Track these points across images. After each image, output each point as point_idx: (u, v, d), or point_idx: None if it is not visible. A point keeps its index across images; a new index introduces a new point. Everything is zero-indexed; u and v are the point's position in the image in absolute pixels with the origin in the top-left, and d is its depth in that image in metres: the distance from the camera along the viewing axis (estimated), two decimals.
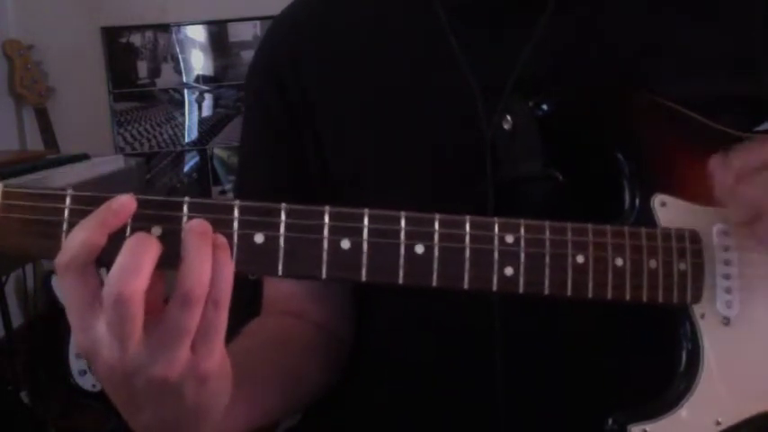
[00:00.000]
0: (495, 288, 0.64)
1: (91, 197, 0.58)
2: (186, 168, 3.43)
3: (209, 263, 0.57)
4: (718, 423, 0.71)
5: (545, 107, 0.71)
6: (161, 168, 3.40)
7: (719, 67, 0.80)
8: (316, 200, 0.62)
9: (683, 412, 0.70)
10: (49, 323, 2.79)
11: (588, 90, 0.74)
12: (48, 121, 3.01)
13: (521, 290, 0.65)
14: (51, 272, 2.79)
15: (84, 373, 2.65)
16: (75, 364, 2.66)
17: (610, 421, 0.69)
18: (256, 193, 0.61)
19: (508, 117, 0.72)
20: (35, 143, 3.06)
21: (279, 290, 0.92)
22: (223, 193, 3.40)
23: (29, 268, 2.98)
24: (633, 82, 0.76)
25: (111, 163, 2.48)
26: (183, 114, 3.40)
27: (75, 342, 0.59)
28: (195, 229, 0.57)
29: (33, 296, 3.03)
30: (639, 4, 0.82)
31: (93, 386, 2.65)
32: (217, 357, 0.60)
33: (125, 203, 0.57)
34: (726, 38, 0.81)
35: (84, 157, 2.36)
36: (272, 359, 0.82)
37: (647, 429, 0.69)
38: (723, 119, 0.75)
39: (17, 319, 2.92)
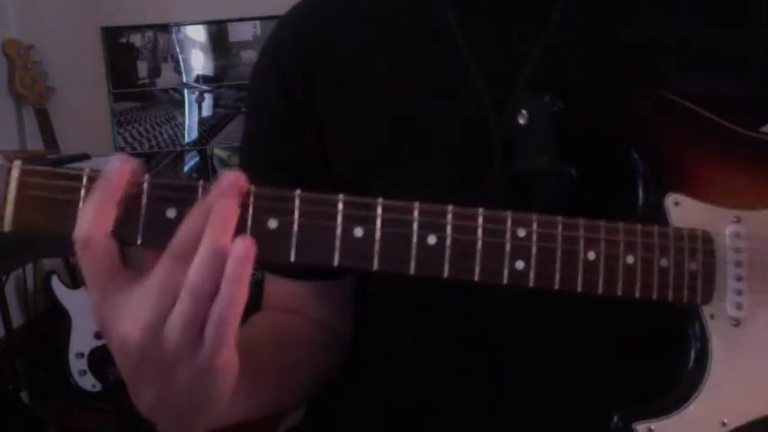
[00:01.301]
0: (505, 281, 0.64)
1: None
2: (186, 168, 3.44)
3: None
4: (723, 424, 0.70)
5: (561, 103, 0.71)
6: (161, 168, 3.40)
7: (733, 65, 0.80)
8: None
9: (690, 412, 0.69)
10: (49, 323, 2.79)
11: (604, 87, 0.73)
12: (48, 121, 3.01)
13: (531, 284, 0.64)
14: (51, 272, 2.79)
15: (85, 373, 2.65)
16: (75, 364, 2.66)
17: (615, 418, 0.69)
18: None
19: (524, 112, 0.72)
20: (35, 143, 3.07)
21: (279, 288, 0.92)
22: None
23: (29, 268, 2.98)
24: (647, 79, 0.76)
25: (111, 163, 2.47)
26: (183, 114, 3.41)
27: (94, 315, 0.60)
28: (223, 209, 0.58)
29: (33, 296, 3.03)
30: (652, 3, 0.82)
31: (93, 386, 2.65)
32: (228, 351, 0.60)
33: (120, 168, 0.58)
34: (741, 36, 0.81)
35: (84, 157, 2.36)
36: (270, 351, 0.82)
37: (653, 428, 0.68)
38: (734, 118, 0.75)
39: (17, 319, 2.92)
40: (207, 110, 3.42)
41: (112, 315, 0.59)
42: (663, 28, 0.80)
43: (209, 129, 3.42)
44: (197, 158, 3.43)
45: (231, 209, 0.58)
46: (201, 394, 0.62)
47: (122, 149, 3.34)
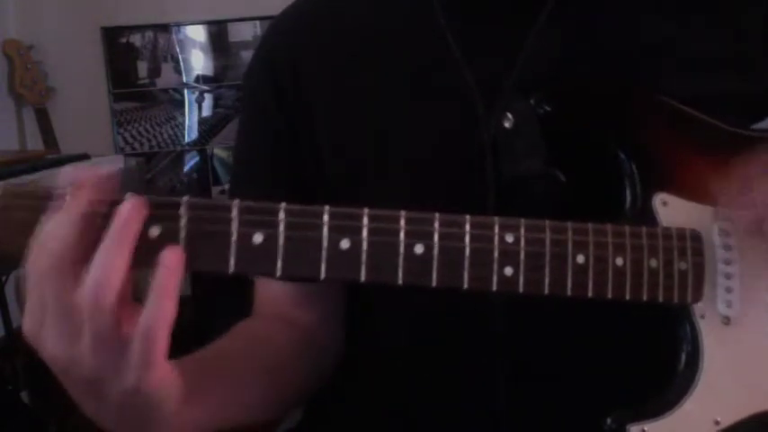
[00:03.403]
0: (494, 288, 0.64)
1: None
2: (186, 168, 3.44)
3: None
4: (717, 422, 0.70)
5: (546, 105, 0.71)
6: (161, 168, 3.41)
7: (719, 64, 0.80)
8: (313, 201, 0.61)
9: (683, 411, 0.69)
10: None
11: (590, 88, 0.73)
12: (48, 121, 3.01)
13: (520, 289, 0.64)
14: None
15: None
16: None
17: (609, 420, 0.69)
18: (252, 195, 0.61)
19: (509, 115, 0.72)
20: (35, 143, 3.07)
21: (268, 293, 0.92)
22: (223, 192, 3.42)
23: None
24: (633, 80, 0.76)
25: (111, 163, 2.47)
26: (183, 114, 3.41)
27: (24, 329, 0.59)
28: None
29: None
30: (639, 3, 0.82)
31: None
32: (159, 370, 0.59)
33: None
34: (725, 36, 0.81)
35: (84, 157, 2.35)
36: (252, 361, 0.82)
37: (646, 429, 0.68)
38: (722, 117, 0.75)
39: (17, 319, 2.92)
40: (207, 110, 3.43)
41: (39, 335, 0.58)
42: (650, 29, 0.80)
43: (209, 129, 3.42)
44: (197, 158, 3.43)
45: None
46: (137, 413, 0.61)
47: (122, 149, 3.34)
